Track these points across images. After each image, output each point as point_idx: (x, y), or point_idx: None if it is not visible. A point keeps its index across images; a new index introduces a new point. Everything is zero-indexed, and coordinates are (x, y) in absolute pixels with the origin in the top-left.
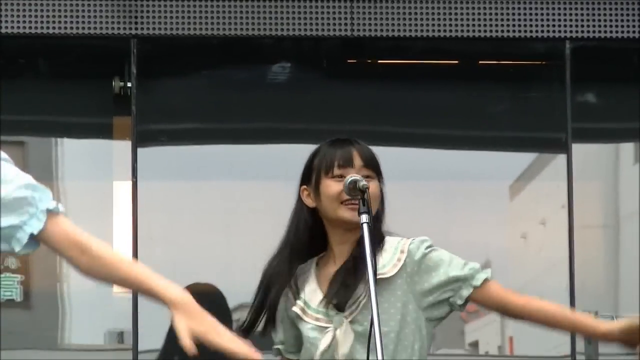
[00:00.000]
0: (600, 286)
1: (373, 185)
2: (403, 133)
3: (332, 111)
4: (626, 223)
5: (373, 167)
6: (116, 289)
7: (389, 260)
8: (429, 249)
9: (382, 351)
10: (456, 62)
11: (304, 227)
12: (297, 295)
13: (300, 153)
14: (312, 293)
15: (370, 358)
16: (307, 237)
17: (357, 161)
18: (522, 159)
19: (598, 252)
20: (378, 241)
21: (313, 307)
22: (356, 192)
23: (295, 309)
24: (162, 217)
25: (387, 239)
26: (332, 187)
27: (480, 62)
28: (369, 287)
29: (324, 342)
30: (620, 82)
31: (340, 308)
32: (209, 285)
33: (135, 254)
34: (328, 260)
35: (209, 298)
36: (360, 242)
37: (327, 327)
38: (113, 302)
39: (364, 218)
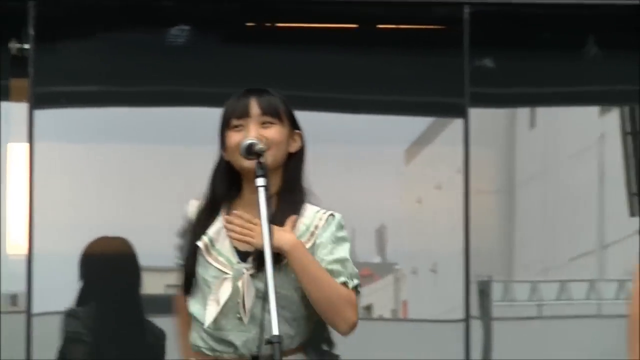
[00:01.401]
0: (495, 251)
1: (271, 131)
2: (300, 97)
3: (231, 75)
4: (521, 188)
5: (273, 113)
6: (9, 250)
7: (304, 232)
8: (338, 231)
9: (275, 315)
10: (355, 26)
11: (220, 177)
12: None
13: (199, 116)
14: (217, 233)
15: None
16: (225, 187)
17: (254, 110)
18: (418, 124)
19: (493, 217)
20: (299, 200)
21: (216, 247)
22: (252, 155)
23: (200, 243)
24: (61, 180)
25: (307, 206)
26: (231, 138)
27: (378, 26)
28: (265, 251)
29: (224, 291)
30: (518, 47)
31: (242, 257)
32: (118, 239)
33: (30, 218)
34: (237, 207)
35: (119, 251)
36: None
37: (226, 274)
38: (7, 264)
39: (260, 181)
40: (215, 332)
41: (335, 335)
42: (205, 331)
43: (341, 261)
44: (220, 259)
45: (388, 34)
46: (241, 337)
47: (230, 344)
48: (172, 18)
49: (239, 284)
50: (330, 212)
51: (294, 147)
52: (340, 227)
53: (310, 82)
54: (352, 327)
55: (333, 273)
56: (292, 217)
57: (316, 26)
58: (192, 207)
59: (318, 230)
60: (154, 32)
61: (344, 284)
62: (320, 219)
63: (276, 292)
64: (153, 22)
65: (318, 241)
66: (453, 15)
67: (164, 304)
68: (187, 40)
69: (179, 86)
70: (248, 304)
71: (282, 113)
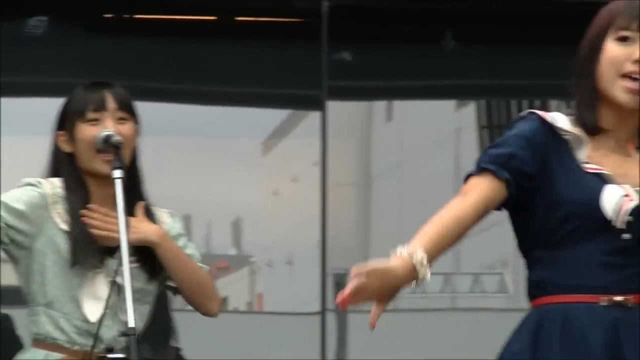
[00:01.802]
0: (352, 243)
1: (126, 127)
2: (158, 89)
3: (89, 66)
4: (378, 181)
5: (128, 109)
6: None
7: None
8: (177, 232)
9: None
10: (214, 18)
11: (60, 171)
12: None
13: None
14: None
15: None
16: (74, 181)
17: (111, 104)
18: (276, 116)
19: (350, 209)
20: (143, 195)
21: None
22: (110, 147)
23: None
24: None
25: (152, 208)
26: (86, 131)
27: (237, 18)
28: (121, 248)
29: (101, 287)
30: (376, 41)
31: (109, 252)
32: None
33: None
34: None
35: None
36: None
37: (97, 269)
38: None
39: (117, 173)
40: (85, 325)
41: (188, 327)
42: (72, 324)
43: (192, 255)
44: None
45: (247, 27)
46: (108, 331)
47: (97, 337)
48: (29, 8)
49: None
50: (168, 210)
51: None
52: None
53: (168, 74)
54: (221, 306)
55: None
56: (141, 204)
57: (175, 18)
58: (47, 187)
59: (166, 226)
60: (11, 22)
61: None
62: (162, 214)
63: (135, 286)
64: (10, 12)
65: (171, 234)
66: (312, 8)
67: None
68: (45, 31)
69: (37, 77)
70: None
71: (133, 109)
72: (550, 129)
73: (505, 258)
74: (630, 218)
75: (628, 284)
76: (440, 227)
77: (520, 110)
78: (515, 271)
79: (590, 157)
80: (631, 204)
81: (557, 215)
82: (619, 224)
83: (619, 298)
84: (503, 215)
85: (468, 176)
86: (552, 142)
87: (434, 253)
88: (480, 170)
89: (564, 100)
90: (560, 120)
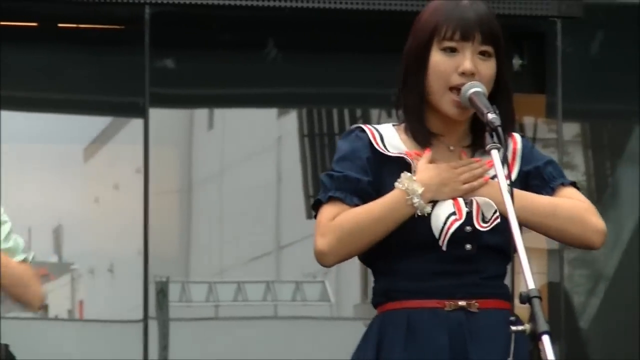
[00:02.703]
0: (173, 251)
1: None
2: None
3: None
4: (199, 189)
5: None
6: None
7: None
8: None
9: None
10: (35, 24)
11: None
12: None
13: None
14: None
15: None
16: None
17: None
18: (98, 123)
19: (172, 217)
20: None
21: None
22: None
23: None
24: None
25: None
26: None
27: (60, 25)
28: None
29: None
30: (199, 48)
31: None
32: None
33: None
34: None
35: None
36: None
37: None
38: None
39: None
40: None
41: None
42: None
43: (16, 245)
44: None
45: (69, 33)
46: None
47: None
48: None
49: None
50: None
51: None
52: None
53: None
54: (42, 300)
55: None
56: None
57: None
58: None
59: None
60: None
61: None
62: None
63: None
64: None
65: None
66: (134, 15)
67: None
68: None
69: None
70: None
71: None
72: (382, 144)
73: None
74: (460, 235)
75: (472, 289)
76: None
77: (342, 119)
78: (337, 280)
79: None
80: (455, 225)
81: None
82: (443, 245)
83: (462, 303)
84: None
85: (316, 203)
86: (384, 157)
87: None
88: (328, 199)
89: (385, 109)
90: (388, 133)
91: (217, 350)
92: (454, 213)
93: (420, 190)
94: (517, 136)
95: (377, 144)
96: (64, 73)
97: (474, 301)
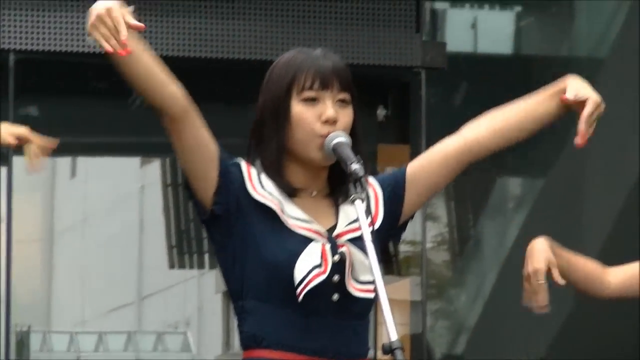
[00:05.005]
0: (35, 300)
1: None
2: None
3: None
4: (61, 238)
5: None
6: None
7: None
8: None
9: None
10: None
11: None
12: None
13: None
14: None
15: None
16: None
17: None
18: None
19: (33, 266)
20: None
21: None
22: None
23: None
24: None
25: None
26: None
27: None
28: None
29: None
30: (64, 95)
31: None
32: None
33: None
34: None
35: None
36: None
37: None
38: None
39: None
40: None
41: None
42: None
43: None
44: None
45: None
46: None
47: None
48: None
49: None
50: None
51: None
52: None
53: None
54: None
55: None
56: None
57: None
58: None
59: None
60: None
61: None
62: None
63: None
64: None
65: None
66: None
67: None
68: None
69: None
70: None
71: None
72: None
73: (189, 317)
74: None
75: (344, 348)
76: None
77: None
78: (198, 331)
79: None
80: (317, 280)
81: (261, 273)
82: (299, 298)
83: None
84: (186, 275)
85: None
86: (251, 199)
87: None
88: None
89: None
90: (264, 179)
91: None
92: (319, 265)
93: None
94: (370, 179)
95: (251, 182)
96: None
97: None
